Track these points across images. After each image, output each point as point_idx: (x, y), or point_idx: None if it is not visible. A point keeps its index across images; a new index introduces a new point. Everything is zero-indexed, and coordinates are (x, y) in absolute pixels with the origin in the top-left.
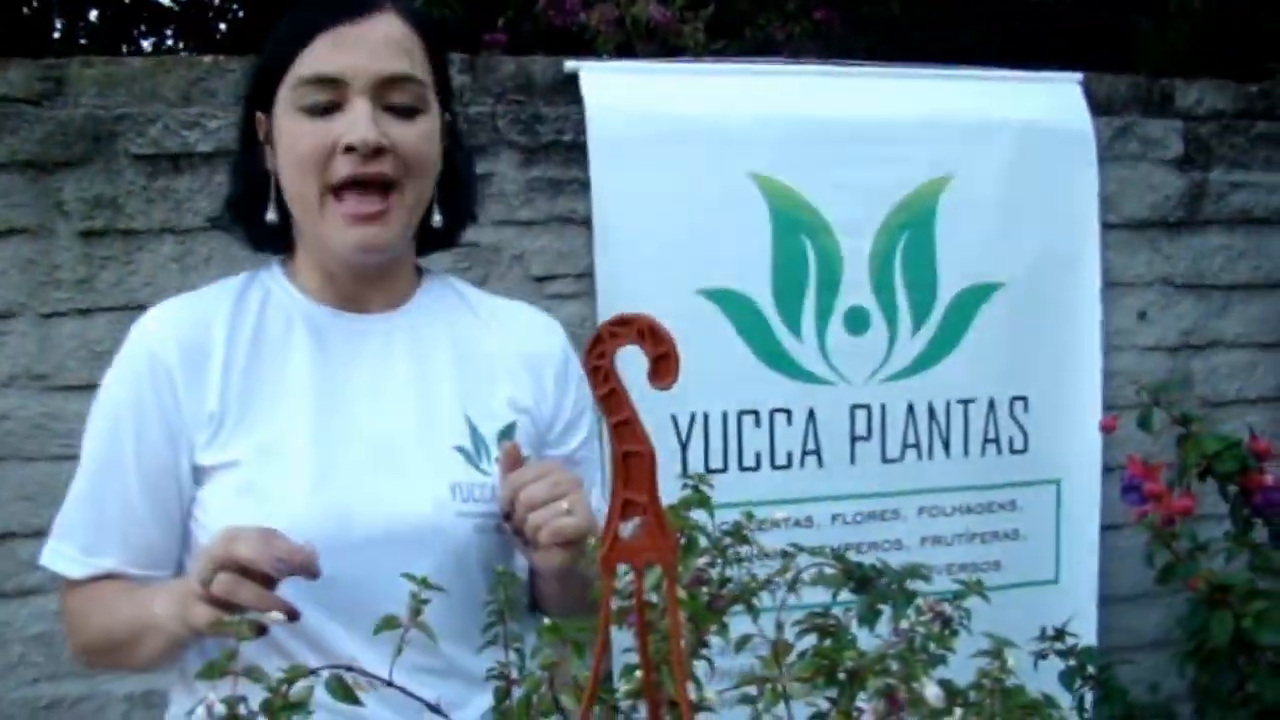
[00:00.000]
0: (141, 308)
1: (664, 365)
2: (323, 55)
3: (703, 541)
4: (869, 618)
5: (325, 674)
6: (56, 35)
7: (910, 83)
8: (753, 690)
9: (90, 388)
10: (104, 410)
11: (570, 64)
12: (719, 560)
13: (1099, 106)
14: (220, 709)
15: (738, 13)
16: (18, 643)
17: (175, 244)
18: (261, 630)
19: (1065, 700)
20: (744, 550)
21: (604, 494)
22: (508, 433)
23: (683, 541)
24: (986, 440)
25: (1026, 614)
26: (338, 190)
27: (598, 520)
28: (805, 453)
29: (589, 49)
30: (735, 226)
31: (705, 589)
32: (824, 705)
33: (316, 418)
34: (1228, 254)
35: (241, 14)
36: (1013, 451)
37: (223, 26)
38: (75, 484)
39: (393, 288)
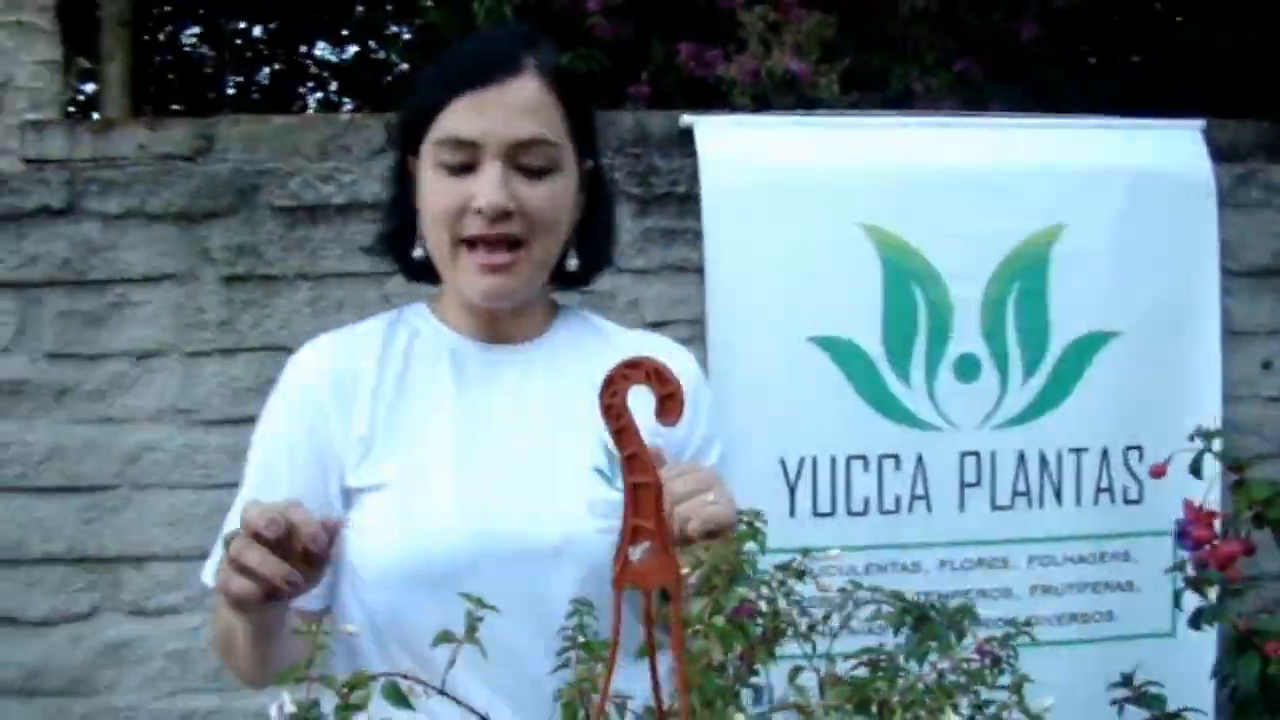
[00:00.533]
0: (280, 348)
1: (670, 404)
2: (461, 117)
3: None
4: (918, 654)
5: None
6: (231, 91)
7: (1023, 132)
8: (786, 716)
9: (230, 422)
10: (261, 439)
11: (686, 118)
12: (777, 594)
13: (1223, 152)
14: (290, 707)
15: (876, 65)
16: (158, 658)
17: (309, 289)
18: (270, 595)
19: None
20: (801, 588)
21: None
22: None
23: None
24: (1100, 490)
25: (1141, 666)
26: (469, 242)
27: None
28: (914, 498)
29: (726, 101)
30: (845, 275)
31: (760, 620)
32: None
33: (458, 442)
34: None
35: (405, 67)
36: (1127, 502)
37: (388, 78)
38: (235, 506)
39: (529, 321)
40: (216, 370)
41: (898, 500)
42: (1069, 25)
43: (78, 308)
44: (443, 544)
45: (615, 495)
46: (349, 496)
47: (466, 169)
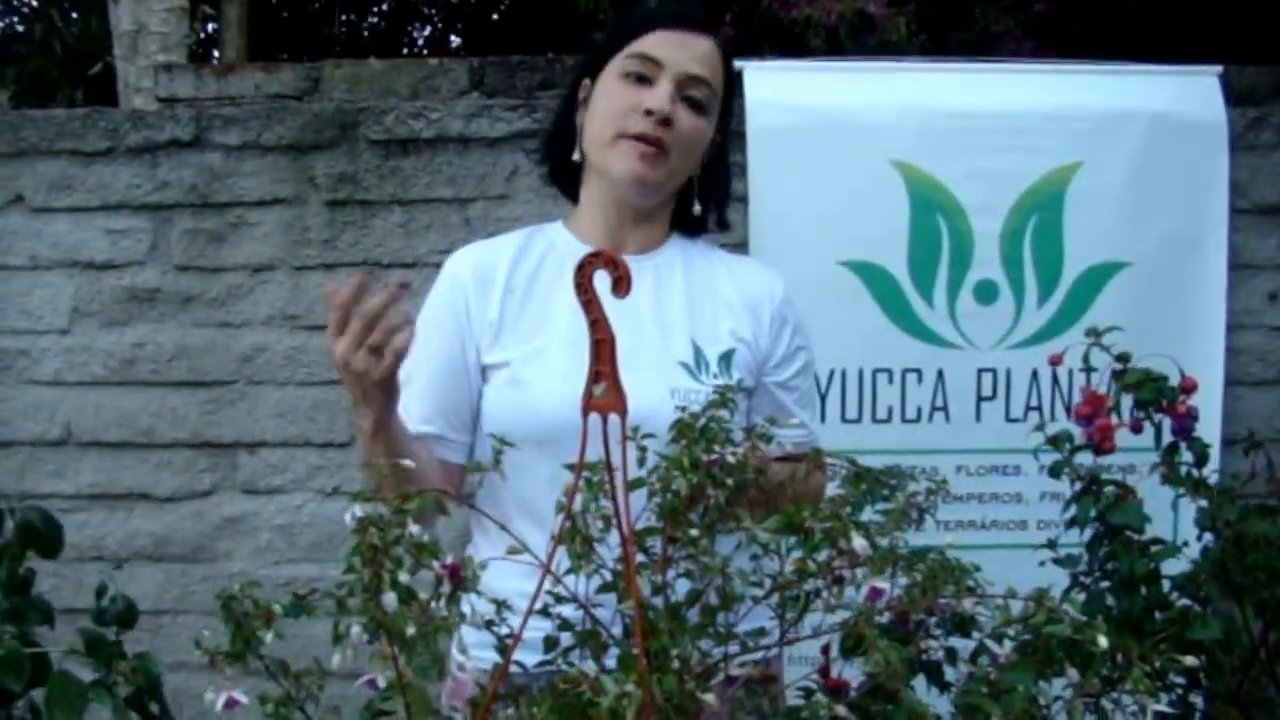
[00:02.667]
0: (375, 263)
1: (621, 283)
2: (655, 41)
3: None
4: (859, 505)
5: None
6: (342, 31)
7: (1044, 78)
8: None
9: None
10: (420, 319)
11: (736, 63)
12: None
13: (1238, 96)
14: (359, 512)
15: (954, 7)
16: (266, 531)
17: (401, 213)
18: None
19: None
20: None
21: (814, 416)
22: (728, 357)
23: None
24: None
25: None
26: (629, 136)
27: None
28: (934, 409)
29: (802, 41)
30: (876, 207)
31: (726, 470)
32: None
33: (571, 332)
34: None
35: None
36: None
37: (495, 15)
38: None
39: (648, 236)
40: (320, 282)
41: (919, 410)
42: None
43: (202, 227)
44: (546, 408)
45: (696, 385)
46: (485, 372)
47: (645, 81)
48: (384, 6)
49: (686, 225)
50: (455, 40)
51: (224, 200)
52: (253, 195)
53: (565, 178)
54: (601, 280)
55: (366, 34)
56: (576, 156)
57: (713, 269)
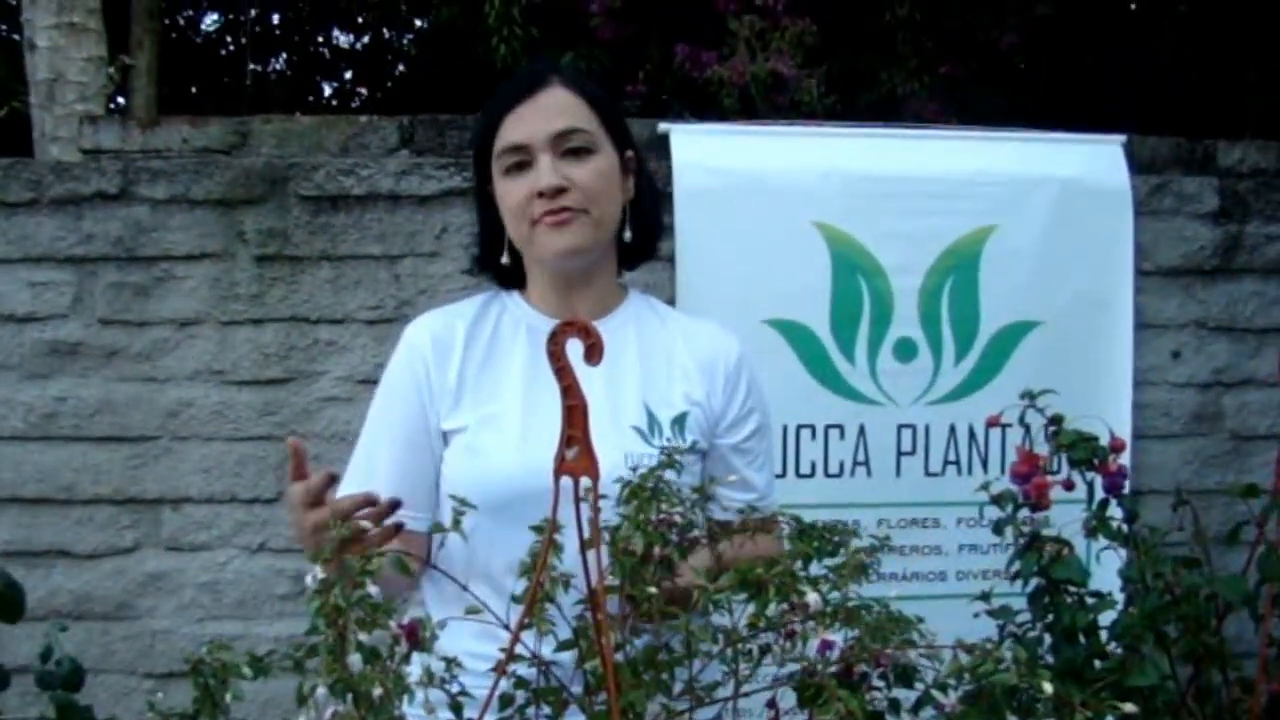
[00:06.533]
0: (303, 319)
1: (593, 350)
2: (510, 130)
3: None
4: (799, 556)
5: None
6: (248, 81)
7: (961, 144)
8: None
9: (258, 383)
10: (380, 389)
11: (663, 125)
12: (694, 511)
13: (1141, 165)
14: (319, 574)
15: (864, 69)
16: (189, 588)
17: (330, 269)
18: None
19: None
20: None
21: (770, 479)
22: (681, 420)
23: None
24: None
25: None
26: (539, 221)
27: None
28: (855, 464)
29: (715, 101)
30: (799, 266)
31: (674, 529)
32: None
33: (526, 399)
34: (1261, 300)
35: (414, 53)
36: (1047, 472)
37: (401, 68)
38: (357, 445)
39: (599, 301)
40: (247, 337)
41: (841, 465)
42: (1049, 34)
43: (128, 280)
44: (500, 477)
45: (649, 450)
46: (445, 438)
47: (524, 167)
48: (293, 56)
49: (629, 259)
50: (363, 92)
51: (150, 254)
52: (180, 249)
53: (510, 276)
54: (574, 348)
55: (274, 82)
56: (505, 259)
57: (668, 331)
